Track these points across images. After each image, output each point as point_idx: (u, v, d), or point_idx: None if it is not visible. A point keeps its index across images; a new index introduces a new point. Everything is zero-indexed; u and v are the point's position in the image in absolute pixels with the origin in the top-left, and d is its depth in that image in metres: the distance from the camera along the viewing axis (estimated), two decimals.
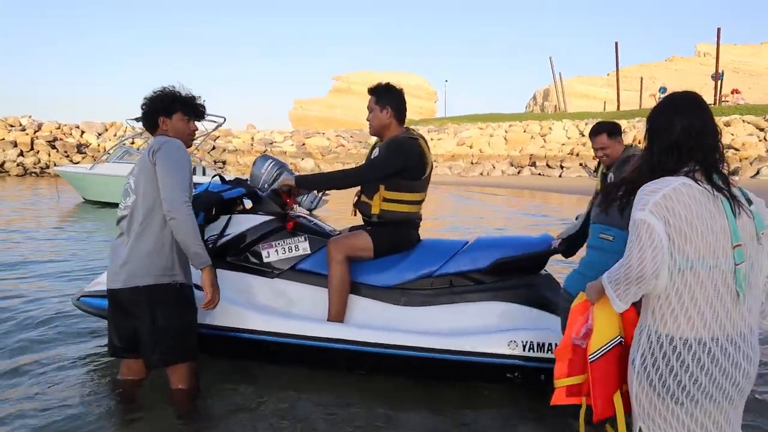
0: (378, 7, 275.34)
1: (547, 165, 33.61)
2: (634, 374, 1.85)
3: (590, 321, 2.03)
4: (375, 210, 3.35)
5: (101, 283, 3.37)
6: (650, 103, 48.26)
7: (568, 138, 36.26)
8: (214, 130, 17.66)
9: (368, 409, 2.89)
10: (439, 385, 3.16)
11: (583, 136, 36.10)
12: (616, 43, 45.83)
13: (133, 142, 22.43)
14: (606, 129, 3.97)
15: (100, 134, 36.82)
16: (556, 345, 2.69)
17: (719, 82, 41.27)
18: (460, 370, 3.07)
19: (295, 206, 3.62)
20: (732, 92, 42.39)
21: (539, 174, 33.05)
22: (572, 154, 33.74)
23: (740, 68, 79.35)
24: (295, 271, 3.42)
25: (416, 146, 3.31)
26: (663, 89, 48.29)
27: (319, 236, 3.49)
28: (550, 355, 2.91)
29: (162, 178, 2.61)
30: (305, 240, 3.43)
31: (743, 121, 31.90)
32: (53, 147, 32.80)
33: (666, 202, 1.72)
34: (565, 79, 53.34)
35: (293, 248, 3.41)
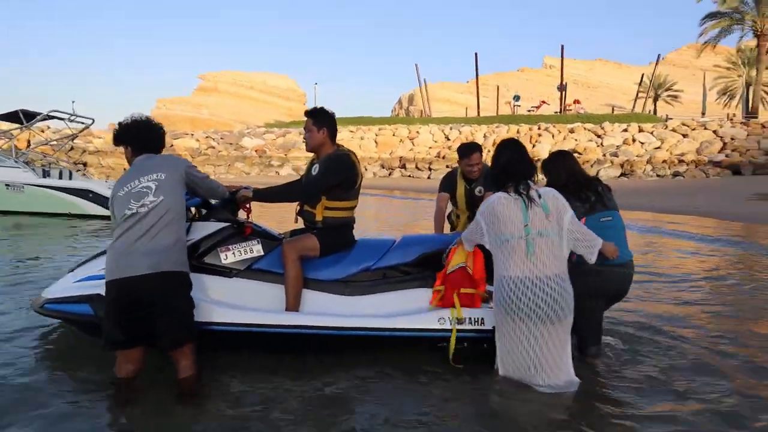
0: (243, 5, 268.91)
1: (416, 167, 35.36)
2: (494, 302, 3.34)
3: (453, 255, 3.64)
4: (319, 217, 3.89)
5: (71, 287, 3.57)
6: (506, 110, 52.46)
7: (435, 141, 38.39)
8: (81, 131, 16.77)
9: (363, 407, 3.15)
10: (433, 383, 3.51)
11: (449, 139, 38.47)
12: (476, 54, 49.31)
13: None
14: (479, 148, 4.84)
15: None
16: (475, 319, 3.60)
17: (563, 93, 45.83)
18: (402, 343, 3.67)
19: (247, 214, 4.06)
20: (574, 102, 47.32)
21: (409, 176, 34.70)
22: (439, 156, 35.77)
23: (579, 81, 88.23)
24: (251, 271, 3.83)
25: (350, 161, 3.88)
26: (517, 97, 52.70)
27: (270, 239, 3.95)
28: (471, 326, 3.60)
29: (202, 181, 3.38)
30: (258, 243, 3.85)
31: (584, 128, 35.84)
32: None
33: (487, 207, 3.32)
34: (428, 84, 56.14)
35: (248, 250, 3.82)
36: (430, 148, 37.83)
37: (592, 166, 30.62)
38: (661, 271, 7.03)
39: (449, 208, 5.07)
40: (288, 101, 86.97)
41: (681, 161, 30.27)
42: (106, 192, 13.17)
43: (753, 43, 42.06)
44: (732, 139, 31.65)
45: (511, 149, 3.44)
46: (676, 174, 28.92)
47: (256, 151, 40.17)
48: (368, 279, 3.94)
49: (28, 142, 15.20)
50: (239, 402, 3.15)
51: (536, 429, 2.87)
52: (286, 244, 3.81)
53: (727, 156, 30.02)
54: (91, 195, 13.10)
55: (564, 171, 3.80)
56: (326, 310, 3.78)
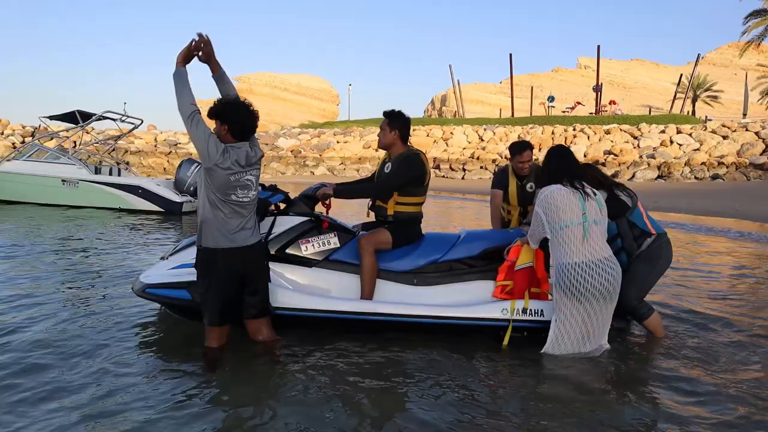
0: (280, 7, 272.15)
1: (450, 168, 35.47)
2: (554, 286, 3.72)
3: (519, 252, 4.02)
4: (390, 212, 4.24)
5: (167, 274, 4.00)
6: (540, 111, 52.15)
7: (469, 142, 38.47)
8: (130, 131, 17.45)
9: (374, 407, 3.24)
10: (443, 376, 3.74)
11: (483, 140, 38.51)
12: (510, 55, 49.00)
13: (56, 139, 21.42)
14: (530, 146, 5.03)
15: None
16: (535, 310, 3.96)
17: (599, 93, 45.35)
18: (466, 331, 4.01)
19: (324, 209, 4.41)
20: (610, 103, 46.73)
21: (443, 176, 34.86)
22: (473, 157, 35.83)
23: (614, 81, 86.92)
24: (328, 261, 4.20)
25: (419, 160, 4.21)
26: (551, 98, 52.35)
27: (345, 232, 4.30)
28: (532, 317, 3.94)
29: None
30: (335, 236, 4.21)
31: (620, 129, 35.47)
32: None
33: (545, 197, 3.71)
34: (462, 85, 56.12)
35: (326, 243, 4.18)
36: (464, 148, 37.91)
37: (628, 168, 30.31)
38: (698, 267, 7.13)
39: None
40: (322, 102, 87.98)
41: (720, 163, 29.72)
42: (155, 188, 13.83)
43: None
44: None
45: (561, 155, 3.92)
46: (715, 176, 28.41)
47: (291, 151, 40.81)
48: (436, 271, 4.25)
49: (75, 142, 15.89)
50: (311, 367, 3.48)
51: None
52: (362, 238, 4.14)
53: None
54: (140, 191, 13.75)
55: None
56: (397, 299, 4.11)
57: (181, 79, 3.44)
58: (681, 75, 51.62)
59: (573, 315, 3.66)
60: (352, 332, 4.06)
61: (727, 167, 29.28)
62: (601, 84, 46.64)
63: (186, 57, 3.51)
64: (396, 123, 4.26)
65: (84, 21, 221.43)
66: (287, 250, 4.12)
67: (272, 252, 4.08)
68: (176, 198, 13.78)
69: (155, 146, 39.52)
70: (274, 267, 4.05)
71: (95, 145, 18.66)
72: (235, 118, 3.45)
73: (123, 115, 15.58)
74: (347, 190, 4.31)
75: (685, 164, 30.02)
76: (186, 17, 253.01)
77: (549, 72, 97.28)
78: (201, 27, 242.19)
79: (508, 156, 5.09)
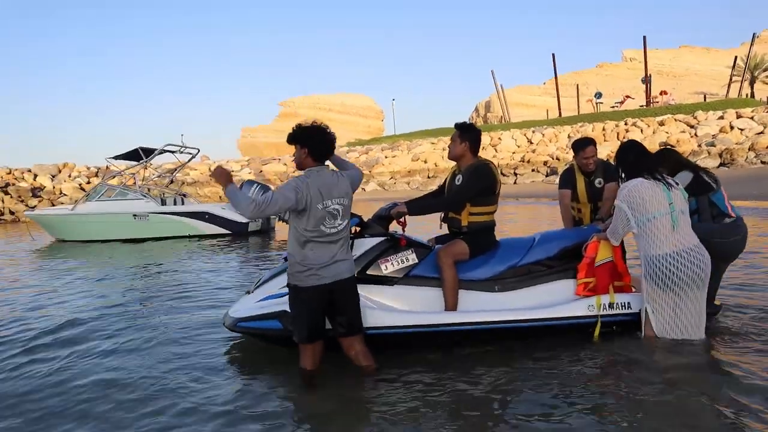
0: (313, 27, 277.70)
1: (501, 173, 35.08)
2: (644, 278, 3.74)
3: (598, 248, 4.03)
4: (464, 222, 4.29)
5: (256, 307, 4.15)
6: (588, 108, 51.10)
7: (518, 146, 37.99)
8: (189, 161, 18.10)
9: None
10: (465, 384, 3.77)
11: (532, 143, 37.99)
12: (553, 54, 48.45)
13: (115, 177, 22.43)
14: (593, 142, 4.99)
15: (53, 176, 36.26)
16: (623, 304, 3.97)
17: (648, 85, 44.12)
18: (558, 331, 4.02)
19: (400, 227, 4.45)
20: (661, 93, 45.42)
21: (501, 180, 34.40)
22: (523, 161, 35.38)
23: (663, 71, 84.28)
24: (409, 278, 4.26)
25: (489, 171, 4.26)
26: (599, 94, 51.25)
27: (422, 248, 4.35)
28: (619, 311, 3.94)
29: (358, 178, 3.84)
30: (412, 252, 4.27)
31: (675, 119, 34.35)
32: (6, 192, 32.06)
33: (629, 192, 3.71)
34: (505, 89, 55.64)
35: (404, 260, 4.25)
36: (513, 153, 37.47)
37: (688, 158, 29.27)
38: None
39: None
40: (367, 119, 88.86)
41: None
42: (220, 212, 14.42)
43: None
44: None
45: (633, 150, 3.93)
46: None
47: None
48: (515, 275, 4.27)
49: (135, 178, 16.69)
50: (404, 387, 3.55)
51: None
52: (440, 251, 4.19)
53: None
54: (207, 216, 14.38)
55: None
56: (481, 307, 4.13)
57: (232, 193, 3.51)
58: (735, 57, 49.67)
59: (674, 304, 3.65)
60: (426, 348, 4.07)
61: None
62: (650, 75, 45.38)
63: (221, 181, 3.60)
64: (466, 135, 4.33)
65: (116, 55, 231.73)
66: (368, 272, 4.20)
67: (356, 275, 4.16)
68: (242, 219, 14.31)
69: (210, 176, 40.81)
70: (360, 290, 4.09)
71: (155, 179, 19.48)
72: (313, 140, 3.56)
73: (182, 147, 16.24)
74: (421, 206, 4.36)
75: (749, 149, 28.73)
76: (219, 40, 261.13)
77: (594, 68, 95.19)
78: (237, 53, 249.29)
79: (572, 155, 5.05)
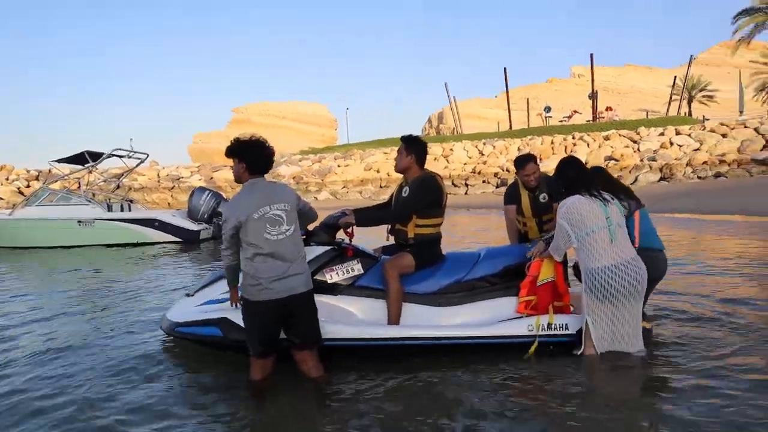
0: (271, 34, 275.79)
1: (453, 184, 35.57)
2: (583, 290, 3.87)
3: (540, 267, 4.10)
4: (410, 234, 4.32)
5: (195, 311, 4.06)
6: (538, 122, 52.41)
7: (469, 157, 38.59)
8: (137, 166, 17.63)
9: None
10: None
11: (483, 155, 38.68)
12: (505, 69, 49.53)
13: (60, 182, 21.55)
14: (533, 158, 5.07)
15: None
16: (560, 325, 4.06)
17: (595, 101, 45.62)
18: (496, 349, 4.07)
19: (346, 237, 4.46)
20: (606, 109, 46.99)
21: (447, 192, 34.83)
22: (474, 172, 35.97)
23: (609, 87, 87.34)
24: (354, 288, 4.27)
25: (435, 183, 4.32)
26: (548, 108, 52.67)
27: (368, 258, 4.36)
28: (557, 332, 4.03)
29: (309, 211, 3.79)
30: (358, 262, 4.29)
31: (619, 135, 35.63)
32: None
33: (568, 208, 3.84)
34: (458, 101, 56.48)
35: (350, 270, 4.26)
36: (465, 164, 38.04)
37: (630, 172, 30.38)
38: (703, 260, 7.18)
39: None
40: (320, 128, 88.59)
41: (722, 161, 29.76)
42: (171, 219, 14.06)
43: None
44: None
45: (574, 166, 4.06)
46: (718, 174, 28.44)
47: (293, 178, 41.02)
48: (459, 291, 4.32)
49: (79, 183, 16.11)
50: (356, 398, 3.56)
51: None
52: (386, 264, 4.21)
53: None
54: (156, 223, 14.01)
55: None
56: (423, 321, 4.17)
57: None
58: (675, 77, 51.90)
59: (612, 315, 3.77)
60: (372, 358, 4.11)
61: (728, 165, 29.32)
62: (596, 91, 46.92)
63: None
64: (412, 147, 4.36)
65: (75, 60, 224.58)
66: (313, 279, 4.11)
67: None
68: (193, 227, 14.00)
69: (158, 182, 39.76)
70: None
71: (100, 184, 18.87)
72: (251, 154, 3.56)
73: (131, 151, 15.81)
74: (369, 218, 4.38)
75: (686, 164, 30.09)
76: (178, 49, 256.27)
77: (544, 83, 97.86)
78: (192, 58, 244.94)
79: (517, 172, 5.14)
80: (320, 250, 4.25)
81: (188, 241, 13.89)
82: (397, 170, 4.47)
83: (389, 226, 4.52)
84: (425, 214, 4.28)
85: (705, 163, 29.95)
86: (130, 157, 16.05)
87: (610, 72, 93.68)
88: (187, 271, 9.20)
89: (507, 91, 49.34)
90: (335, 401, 3.50)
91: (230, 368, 3.99)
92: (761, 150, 30.03)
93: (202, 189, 15.07)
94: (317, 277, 4.18)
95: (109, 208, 14.91)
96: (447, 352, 4.11)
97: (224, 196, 15.80)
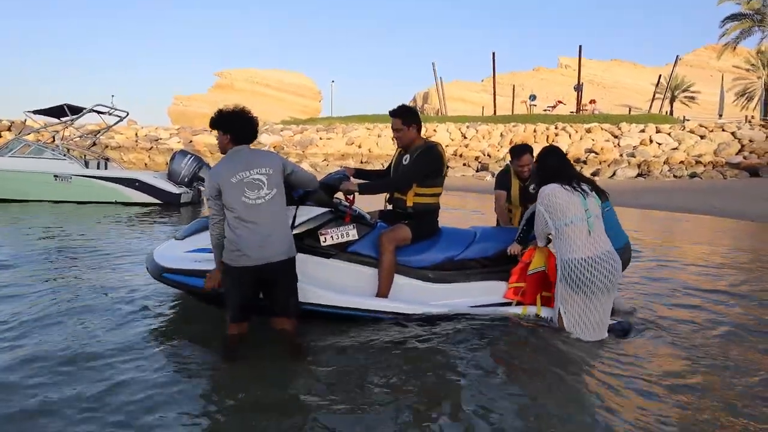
0: (258, 2, 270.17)
1: None
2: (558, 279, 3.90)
3: (533, 256, 4.12)
4: (409, 203, 4.30)
5: (184, 258, 4.02)
6: (522, 109, 52.56)
7: (452, 140, 38.63)
8: (116, 123, 17.25)
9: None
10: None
11: (466, 138, 38.75)
12: (493, 53, 49.31)
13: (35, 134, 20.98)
14: (529, 150, 5.04)
15: None
16: (546, 318, 4.09)
17: (580, 93, 45.87)
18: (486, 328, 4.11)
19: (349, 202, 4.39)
20: (590, 102, 47.29)
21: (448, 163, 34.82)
22: (455, 155, 36.04)
23: (594, 81, 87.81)
24: (346, 253, 4.24)
25: (438, 152, 4.28)
26: (533, 97, 52.82)
27: (364, 225, 4.33)
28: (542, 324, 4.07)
29: (303, 174, 3.70)
30: (354, 228, 4.24)
31: (601, 128, 35.97)
32: None
33: (547, 197, 3.88)
34: (444, 83, 56.28)
35: (345, 235, 4.21)
36: (446, 146, 37.99)
37: (609, 166, 30.76)
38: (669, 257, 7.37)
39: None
40: (304, 99, 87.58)
41: (698, 162, 30.32)
42: (152, 181, 13.84)
43: None
44: (750, 141, 31.65)
45: (556, 156, 4.08)
46: (693, 175, 28.97)
47: (274, 147, 40.62)
48: (451, 268, 4.33)
49: (54, 137, 15.68)
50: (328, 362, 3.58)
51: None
52: (383, 235, 4.18)
53: (745, 158, 30.01)
54: (137, 184, 13.78)
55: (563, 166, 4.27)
56: (413, 295, 4.19)
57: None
58: (660, 76, 52.40)
59: (579, 306, 3.83)
60: (365, 325, 4.12)
61: (704, 166, 29.89)
62: (582, 83, 47.16)
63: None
64: (410, 119, 4.30)
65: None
66: (305, 241, 4.14)
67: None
68: (174, 190, 13.81)
69: (136, 141, 39.07)
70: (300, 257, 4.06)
71: (75, 139, 18.41)
72: (234, 126, 3.56)
73: (111, 108, 15.47)
74: (371, 187, 4.33)
75: (664, 163, 30.58)
76: (163, 12, 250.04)
77: (530, 71, 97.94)
78: (178, 20, 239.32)
79: (504, 152, 5.22)
80: (317, 210, 4.17)
81: (169, 203, 13.72)
82: (402, 145, 4.38)
83: (387, 196, 4.49)
84: (426, 183, 4.26)
85: (682, 162, 30.47)
86: (110, 114, 15.68)
87: (597, 65, 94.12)
88: (167, 233, 9.12)
89: (494, 76, 49.30)
90: (310, 363, 3.54)
91: (208, 325, 4.00)
92: (736, 154, 30.65)
93: (183, 152, 14.82)
94: (310, 239, 4.14)
95: (86, 165, 14.62)
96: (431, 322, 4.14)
97: (205, 160, 15.57)
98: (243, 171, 3.45)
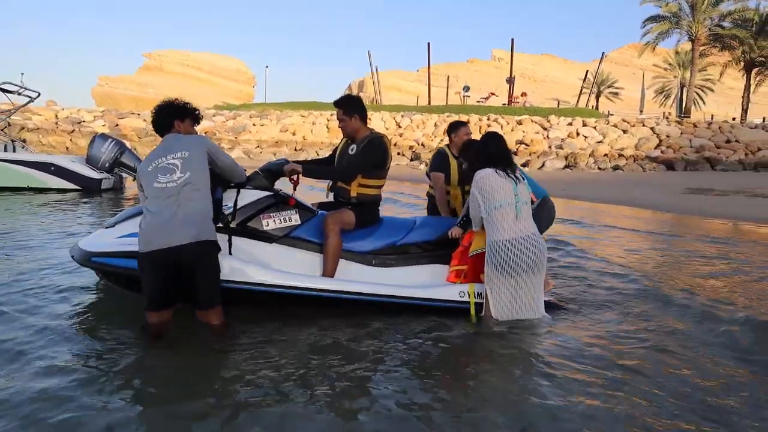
0: None
1: None
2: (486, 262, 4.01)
3: (472, 238, 4.19)
4: (353, 193, 4.32)
5: (115, 243, 3.85)
6: (456, 100, 53.36)
7: (387, 129, 38.74)
8: (26, 104, 16.22)
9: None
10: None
11: (400, 127, 38.98)
12: (429, 44, 49.81)
13: None
14: (465, 124, 5.34)
15: None
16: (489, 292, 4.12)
17: (512, 86, 47.02)
18: (425, 311, 4.19)
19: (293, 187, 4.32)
20: (521, 95, 48.54)
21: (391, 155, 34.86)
22: (390, 143, 36.22)
23: (526, 74, 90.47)
24: (289, 238, 4.20)
25: (385, 144, 4.32)
26: (467, 88, 53.64)
27: (307, 211, 4.30)
28: (481, 300, 4.14)
29: (225, 159, 3.64)
30: (296, 212, 4.21)
31: (532, 120, 37.07)
32: None
33: (481, 179, 3.99)
34: (379, 72, 56.38)
35: (287, 219, 4.17)
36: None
37: (538, 157, 31.77)
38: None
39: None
40: (237, 83, 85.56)
41: (621, 155, 31.81)
42: (70, 165, 13.03)
43: (688, 46, 44.35)
44: (667, 136, 33.48)
45: (497, 142, 4.21)
46: (616, 167, 30.40)
47: (205, 133, 39.49)
48: (393, 253, 4.39)
49: None
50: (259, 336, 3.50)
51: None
52: (328, 216, 4.18)
53: (662, 152, 31.75)
54: (53, 168, 12.95)
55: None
56: (357, 279, 4.20)
57: None
58: (587, 71, 54.46)
59: (511, 287, 3.97)
60: (298, 314, 4.10)
61: (626, 159, 31.40)
62: (514, 76, 48.34)
63: None
64: (352, 108, 4.33)
65: None
66: (248, 224, 4.08)
67: (233, 225, 4.02)
68: (94, 175, 13.07)
69: (56, 123, 37.02)
70: (237, 242, 4.01)
71: None
72: (153, 118, 3.69)
73: (21, 87, 14.49)
74: (315, 170, 4.37)
75: (589, 155, 31.89)
76: None
77: (465, 62, 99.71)
78: None
79: (441, 141, 5.31)
80: (258, 194, 4.11)
81: (88, 189, 12.99)
82: (347, 135, 4.40)
83: (330, 183, 4.49)
84: (370, 175, 4.30)
85: (606, 155, 31.88)
86: (19, 93, 14.66)
87: (529, 59, 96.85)
88: (87, 220, 8.69)
89: (429, 66, 49.73)
90: (232, 351, 3.47)
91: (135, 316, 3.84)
92: (655, 148, 32.37)
93: (104, 136, 13.98)
94: (252, 223, 4.09)
95: None
96: (368, 312, 4.15)
97: (128, 145, 14.86)
98: (159, 158, 3.44)
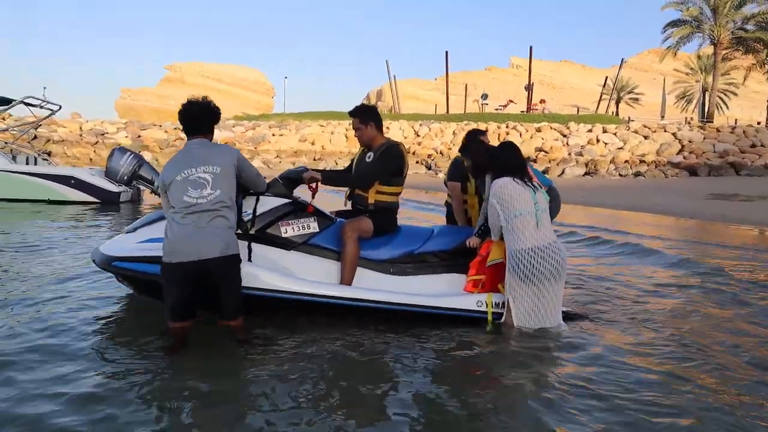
0: None
1: None
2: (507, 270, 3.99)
3: (490, 248, 4.17)
4: (370, 200, 4.33)
5: (137, 248, 3.88)
6: (474, 108, 53.29)
7: (405, 137, 38.84)
8: (47, 117, 16.49)
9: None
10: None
11: (419, 135, 39.03)
12: (447, 52, 49.95)
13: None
14: (483, 133, 5.21)
15: None
16: (502, 303, 4.13)
17: (530, 92, 46.84)
18: (443, 321, 4.13)
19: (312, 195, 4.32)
20: (540, 102, 48.35)
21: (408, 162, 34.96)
22: (409, 152, 36.27)
23: (544, 81, 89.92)
24: (307, 245, 4.20)
25: (401, 151, 4.33)
26: (485, 96, 53.55)
27: (325, 218, 4.31)
28: (501, 310, 4.12)
29: (251, 171, 3.65)
30: (315, 220, 4.21)
31: (551, 127, 36.85)
32: None
33: (499, 188, 3.99)
34: (397, 81, 56.54)
35: (306, 226, 4.17)
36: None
37: (558, 164, 31.55)
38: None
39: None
40: (256, 94, 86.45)
41: (642, 161, 31.47)
42: (89, 178, 13.17)
43: (710, 50, 43.76)
44: (689, 141, 33.04)
45: (512, 151, 4.22)
46: (637, 174, 30.05)
47: (225, 143, 39.89)
48: (411, 261, 4.38)
49: None
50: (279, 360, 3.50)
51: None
52: (346, 224, 4.19)
53: (684, 158, 31.34)
54: (73, 181, 13.10)
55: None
56: (375, 287, 4.17)
57: None
58: (606, 77, 54.01)
59: (530, 296, 3.94)
60: (319, 321, 4.09)
61: (647, 165, 31.03)
62: (533, 83, 48.16)
63: None
64: (367, 117, 4.37)
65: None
66: (267, 231, 4.10)
67: (252, 232, 4.04)
68: (113, 188, 13.20)
69: (80, 135, 37.71)
70: (256, 248, 4.04)
71: (13, 132, 17.52)
72: (181, 116, 3.54)
73: (43, 101, 14.76)
74: (334, 177, 4.43)
75: (610, 162, 31.57)
76: (113, 2, 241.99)
77: (482, 70, 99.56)
78: (126, 9, 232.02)
79: (457, 151, 5.24)
80: (277, 201, 4.12)
81: (107, 202, 13.12)
82: (363, 144, 4.44)
83: (348, 191, 4.51)
84: (387, 182, 4.32)
85: (627, 161, 31.55)
86: (41, 107, 14.91)
87: (547, 66, 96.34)
88: (106, 233, 8.81)
89: (447, 75, 49.81)
90: (253, 363, 3.47)
91: (146, 326, 3.87)
92: (677, 154, 31.95)
93: (122, 149, 14.06)
94: (271, 230, 4.10)
95: (14, 160, 13.83)
96: (386, 320, 4.12)
97: (146, 157, 14.98)
98: (189, 168, 3.38)
